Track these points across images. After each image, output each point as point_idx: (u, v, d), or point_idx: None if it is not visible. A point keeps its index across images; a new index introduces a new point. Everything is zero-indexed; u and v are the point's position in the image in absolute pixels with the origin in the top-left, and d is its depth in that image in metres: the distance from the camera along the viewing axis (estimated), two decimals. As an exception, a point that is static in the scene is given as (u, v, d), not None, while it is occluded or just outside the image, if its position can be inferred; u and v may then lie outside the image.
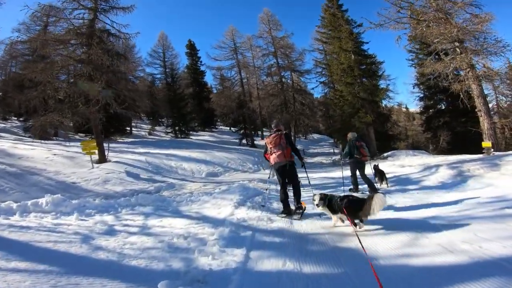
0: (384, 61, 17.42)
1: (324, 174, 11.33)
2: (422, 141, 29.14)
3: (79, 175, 10.46)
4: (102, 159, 12.59)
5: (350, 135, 7.12)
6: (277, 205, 6.44)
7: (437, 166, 9.37)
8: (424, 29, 11.69)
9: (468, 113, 20.73)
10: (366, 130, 17.91)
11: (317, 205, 4.28)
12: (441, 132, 19.37)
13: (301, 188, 5.40)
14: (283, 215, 5.12)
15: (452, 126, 20.41)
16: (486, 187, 6.22)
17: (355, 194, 4.74)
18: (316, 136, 48.57)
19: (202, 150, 17.17)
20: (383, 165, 13.16)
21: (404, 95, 42.93)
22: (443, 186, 7.10)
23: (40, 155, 12.46)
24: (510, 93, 26.22)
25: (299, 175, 5.51)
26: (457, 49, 11.65)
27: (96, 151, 12.45)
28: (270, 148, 5.09)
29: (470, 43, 11.35)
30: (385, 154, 16.86)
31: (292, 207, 5.23)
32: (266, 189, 7.68)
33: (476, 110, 11.86)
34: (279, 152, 4.97)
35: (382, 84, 17.52)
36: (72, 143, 15.41)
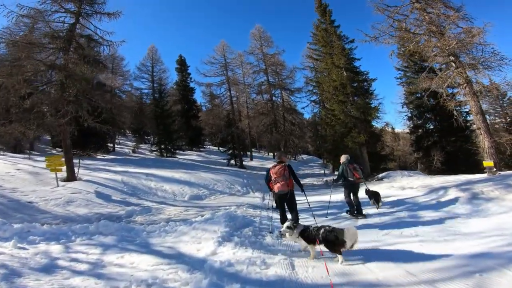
0: (376, 78, 17.06)
1: (318, 198, 10.11)
2: (410, 162, 28.68)
3: (39, 194, 8.92)
4: (71, 177, 11.03)
5: (343, 158, 6.95)
6: (271, 240, 5.21)
7: (444, 188, 8.51)
8: (420, 42, 11.18)
9: (458, 132, 20.64)
10: (359, 151, 17.08)
11: (281, 234, 4.33)
12: (435, 152, 18.74)
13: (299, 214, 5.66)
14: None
15: (442, 145, 19.92)
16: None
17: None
18: (305, 157, 47.74)
19: (187, 170, 15.76)
20: (380, 188, 12.34)
21: (391, 115, 43.21)
22: (461, 211, 6.23)
23: (0, 169, 10.83)
24: (494, 110, 26.67)
25: (298, 198, 5.77)
26: (453, 64, 11.11)
27: (64, 168, 10.91)
28: (275, 178, 5.31)
29: (467, 56, 10.83)
30: (380, 176, 15.92)
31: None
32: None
33: (475, 128, 11.20)
34: (282, 182, 5.26)
35: (373, 103, 16.90)
36: (42, 158, 13.70)
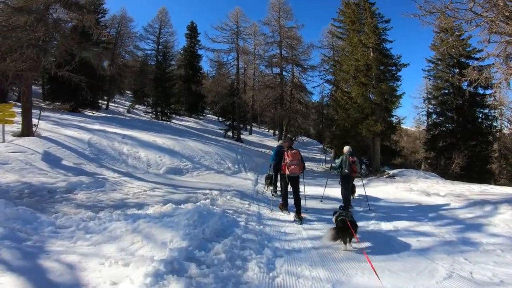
0: (409, 64, 14.11)
1: (320, 190, 7.71)
2: (412, 160, 26.36)
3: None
4: (26, 132, 8.67)
5: (346, 149, 6.67)
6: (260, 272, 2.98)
7: (488, 202, 6.38)
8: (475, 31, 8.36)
9: (480, 136, 18.30)
10: (372, 141, 14.58)
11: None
12: (456, 155, 16.26)
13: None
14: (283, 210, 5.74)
15: (460, 148, 17.38)
16: None
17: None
18: (305, 139, 45.35)
19: (174, 136, 13.37)
20: (396, 189, 9.96)
21: (404, 109, 40.26)
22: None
23: None
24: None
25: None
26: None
27: (18, 120, 8.58)
28: (290, 160, 5.41)
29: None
30: (391, 172, 13.59)
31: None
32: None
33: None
34: (296, 165, 5.41)
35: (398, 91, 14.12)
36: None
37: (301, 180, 5.68)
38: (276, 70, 22.30)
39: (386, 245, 4.12)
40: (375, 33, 13.72)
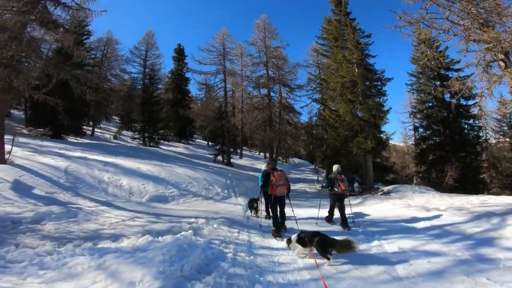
0: (393, 78, 14.29)
1: (315, 212, 7.09)
2: (404, 175, 26.28)
3: None
4: (-1, 160, 7.97)
5: (334, 168, 6.83)
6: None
7: (493, 214, 6.11)
8: (452, 41, 8.56)
9: (468, 147, 18.40)
10: (364, 159, 14.33)
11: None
12: (448, 167, 16.14)
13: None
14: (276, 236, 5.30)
15: (451, 160, 17.35)
16: None
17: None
18: (296, 160, 45.12)
19: (160, 162, 12.78)
20: (389, 205, 9.66)
21: (391, 124, 40.91)
22: None
23: None
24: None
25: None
26: (502, 63, 8.47)
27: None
28: (276, 181, 5.47)
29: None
30: (386, 189, 13.20)
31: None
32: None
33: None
34: (283, 186, 5.53)
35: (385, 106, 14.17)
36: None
37: (287, 202, 5.79)
38: (264, 91, 22.38)
39: (394, 270, 3.63)
40: (358, 49, 13.94)
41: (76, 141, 18.81)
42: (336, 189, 6.45)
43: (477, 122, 18.99)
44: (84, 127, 23.62)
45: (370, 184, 14.39)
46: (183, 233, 4.13)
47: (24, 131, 17.39)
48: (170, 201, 8.45)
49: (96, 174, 8.90)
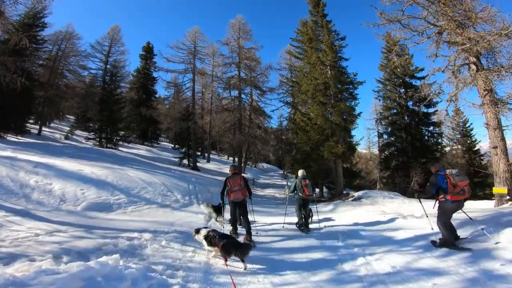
0: (364, 81, 14.14)
1: (280, 220, 6.48)
2: (369, 181, 26.78)
3: None
4: None
5: (299, 173, 6.87)
6: None
7: (475, 221, 5.46)
8: (426, 44, 8.41)
9: (428, 153, 18.93)
10: (334, 163, 13.82)
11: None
12: (413, 172, 16.27)
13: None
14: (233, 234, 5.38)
15: (411, 166, 17.68)
16: None
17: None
18: (265, 165, 44.48)
19: (112, 165, 11.00)
20: (363, 211, 9.04)
21: (358, 130, 41.91)
22: None
23: None
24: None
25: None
26: (473, 66, 8.36)
27: None
28: (231, 186, 5.45)
29: (489, 59, 8.20)
30: (356, 194, 12.73)
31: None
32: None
33: (491, 146, 8.46)
34: (238, 191, 5.44)
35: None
36: None
37: (250, 208, 5.77)
38: (235, 92, 21.37)
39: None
40: (333, 50, 13.60)
41: (17, 140, 16.13)
42: (301, 194, 6.52)
43: (436, 129, 19.73)
44: (30, 125, 20.65)
45: (340, 189, 13.90)
46: (103, 258, 2.83)
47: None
48: (115, 209, 6.89)
49: (21, 176, 7.06)
